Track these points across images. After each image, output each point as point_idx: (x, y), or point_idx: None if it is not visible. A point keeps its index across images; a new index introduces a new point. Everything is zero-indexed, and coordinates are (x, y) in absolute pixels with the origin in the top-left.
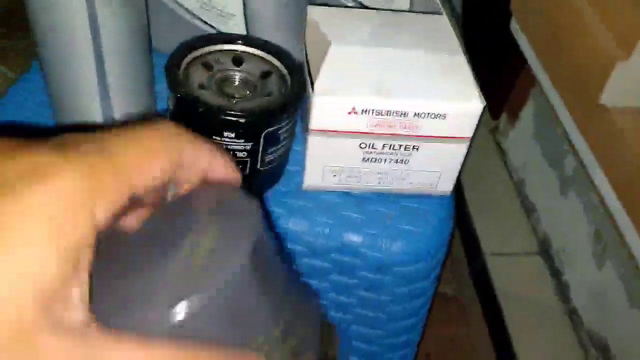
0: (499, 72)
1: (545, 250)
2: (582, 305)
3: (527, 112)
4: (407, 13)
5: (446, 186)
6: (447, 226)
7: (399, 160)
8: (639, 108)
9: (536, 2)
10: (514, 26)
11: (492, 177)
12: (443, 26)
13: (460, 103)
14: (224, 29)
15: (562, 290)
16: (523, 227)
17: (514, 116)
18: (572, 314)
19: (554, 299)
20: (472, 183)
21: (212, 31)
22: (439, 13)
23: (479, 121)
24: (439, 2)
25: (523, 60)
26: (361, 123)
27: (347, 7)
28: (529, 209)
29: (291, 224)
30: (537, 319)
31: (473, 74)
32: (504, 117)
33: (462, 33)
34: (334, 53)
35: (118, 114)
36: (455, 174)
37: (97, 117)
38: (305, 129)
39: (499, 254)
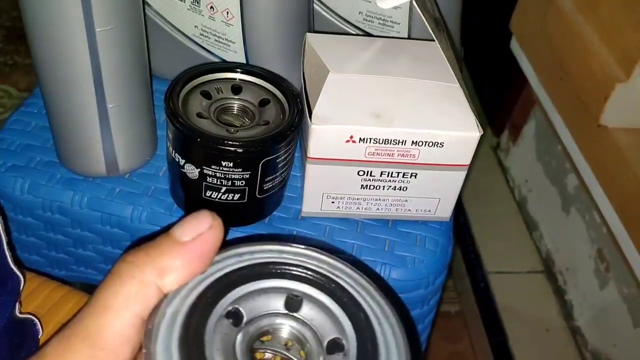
0: (500, 89)
1: (548, 268)
2: (585, 324)
3: (529, 130)
4: (404, 40)
5: (445, 212)
6: (446, 252)
7: (397, 187)
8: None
9: (536, 22)
10: (514, 45)
11: (494, 194)
12: (439, 54)
13: (458, 132)
14: (224, 55)
15: (566, 308)
16: (525, 245)
17: (515, 133)
18: (576, 333)
19: (557, 318)
20: (474, 200)
21: (212, 57)
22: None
23: (478, 146)
24: (437, 29)
25: (524, 78)
26: (359, 151)
27: (347, 34)
28: (531, 227)
29: None
30: (540, 337)
31: (470, 102)
32: (505, 134)
33: (463, 50)
34: (332, 81)
35: (118, 141)
36: (454, 201)
37: (97, 145)
38: (304, 156)
39: (502, 272)
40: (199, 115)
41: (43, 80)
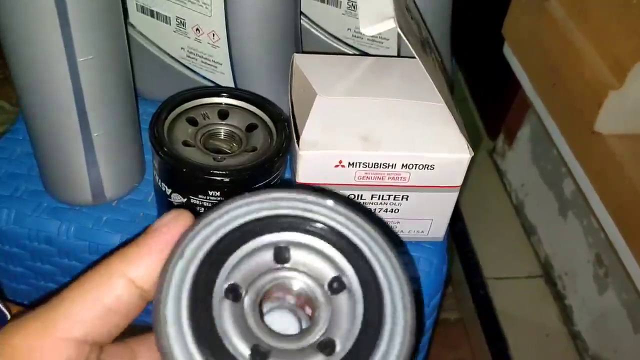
0: (495, 93)
1: (547, 273)
2: (585, 328)
3: (524, 133)
4: (393, 59)
5: (438, 232)
6: (440, 273)
7: (389, 210)
8: (634, 134)
9: (527, 28)
10: (507, 51)
11: (490, 198)
12: (424, 73)
13: (449, 154)
14: (211, 76)
15: (566, 313)
16: (524, 250)
17: (510, 137)
18: (576, 338)
19: (557, 323)
20: (471, 205)
21: (199, 79)
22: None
23: (474, 150)
24: (423, 52)
25: (518, 82)
26: (349, 176)
27: (336, 51)
28: (529, 231)
29: None
30: (541, 342)
31: (460, 123)
32: (501, 137)
33: (454, 61)
34: (319, 104)
35: (104, 169)
36: (447, 221)
37: (83, 174)
38: (294, 181)
39: (500, 277)
40: (185, 144)
41: (26, 109)
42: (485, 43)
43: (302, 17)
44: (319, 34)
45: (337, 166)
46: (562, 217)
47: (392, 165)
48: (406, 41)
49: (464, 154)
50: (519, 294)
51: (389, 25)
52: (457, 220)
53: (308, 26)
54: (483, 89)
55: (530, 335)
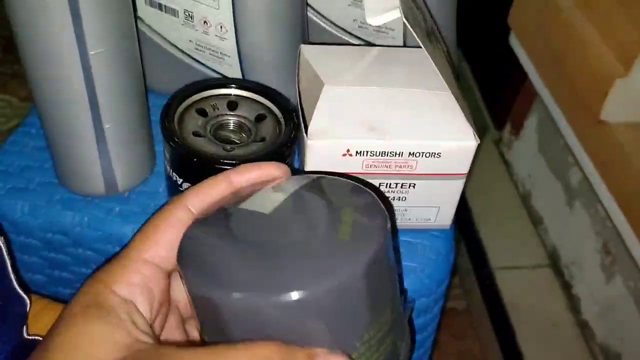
0: (501, 82)
1: (554, 262)
2: (593, 317)
3: (531, 123)
4: (399, 48)
5: (445, 220)
6: (447, 260)
7: (396, 198)
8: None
9: (534, 18)
10: (513, 40)
11: (497, 189)
12: (430, 62)
13: (455, 141)
14: (219, 68)
15: (573, 302)
16: (531, 240)
17: (517, 127)
18: (584, 327)
19: (564, 312)
20: (478, 195)
21: (208, 71)
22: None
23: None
24: (428, 41)
25: (525, 72)
26: (356, 164)
27: (342, 41)
28: (536, 221)
29: None
30: (548, 332)
31: (466, 110)
32: (507, 128)
33: (460, 52)
34: (326, 93)
35: (115, 161)
36: (454, 209)
37: (95, 165)
38: (302, 169)
39: (508, 267)
40: (195, 134)
41: (39, 103)
42: (491, 33)
43: (308, 8)
44: (325, 25)
45: (344, 155)
46: (568, 206)
47: (399, 154)
48: (412, 31)
49: (470, 142)
50: (526, 283)
51: (395, 15)
52: (464, 211)
53: (314, 17)
54: (489, 80)
55: (537, 324)
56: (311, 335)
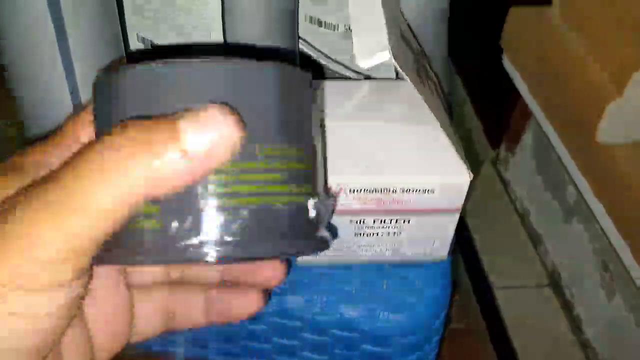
0: (496, 101)
1: (554, 281)
2: (595, 336)
3: (526, 142)
4: (390, 82)
5: (441, 252)
6: (445, 292)
7: (391, 233)
8: (635, 143)
9: (526, 39)
10: (506, 61)
11: (495, 207)
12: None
13: (448, 177)
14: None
15: (575, 322)
16: (531, 259)
17: (513, 146)
18: (586, 347)
19: (566, 331)
20: (476, 215)
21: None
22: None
23: (477, 159)
24: (419, 81)
25: (518, 91)
26: (351, 201)
27: (340, 75)
28: (535, 240)
29: (288, 301)
30: (550, 352)
31: (459, 145)
32: (503, 146)
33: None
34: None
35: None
36: (449, 241)
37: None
38: None
39: (508, 287)
40: None
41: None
42: (484, 51)
43: (301, 41)
44: (317, 58)
45: (339, 193)
46: (567, 224)
47: (393, 190)
48: (402, 72)
49: (463, 178)
50: (527, 303)
51: (384, 57)
52: (463, 230)
53: (306, 49)
54: (484, 99)
55: (539, 344)
56: None
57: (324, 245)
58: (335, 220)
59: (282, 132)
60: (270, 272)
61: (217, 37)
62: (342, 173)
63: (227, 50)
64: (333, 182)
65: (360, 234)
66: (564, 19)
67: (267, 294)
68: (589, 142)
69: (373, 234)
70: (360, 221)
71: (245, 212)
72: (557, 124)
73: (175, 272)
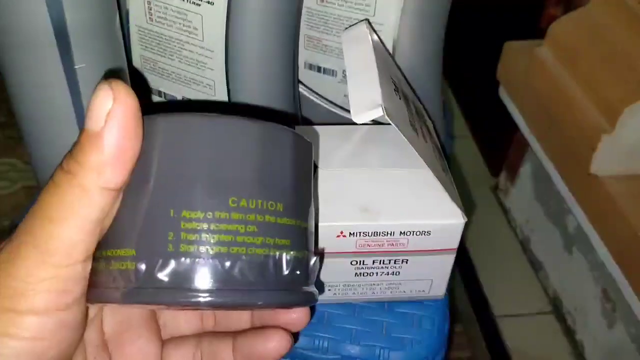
0: (495, 129)
1: (556, 309)
2: None
3: (526, 170)
4: (387, 126)
5: (438, 291)
6: (442, 330)
7: (390, 273)
8: (629, 175)
9: (520, 73)
10: (502, 94)
11: (496, 235)
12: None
13: (444, 220)
14: None
15: (577, 349)
16: (532, 286)
17: (513, 174)
18: None
19: (569, 359)
20: (477, 242)
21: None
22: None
23: (478, 187)
24: (414, 133)
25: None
26: (350, 244)
27: (339, 117)
28: (536, 267)
29: None
30: None
31: (453, 188)
32: (503, 174)
33: (453, 90)
34: (319, 177)
35: None
36: (447, 280)
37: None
38: None
39: (511, 315)
40: None
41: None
42: (483, 82)
43: (300, 85)
44: (317, 100)
45: (338, 237)
46: (567, 252)
47: (391, 233)
48: (395, 127)
49: (458, 220)
50: (530, 330)
51: (378, 113)
52: (464, 258)
53: (307, 93)
54: (483, 128)
55: None
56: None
57: (302, 299)
58: (337, 261)
59: (257, 188)
60: (293, 315)
61: (221, 88)
62: (343, 219)
63: (225, 108)
64: (335, 227)
65: (361, 274)
66: (555, 55)
67: (294, 335)
68: (584, 174)
69: (373, 274)
70: (360, 262)
71: (216, 261)
72: (553, 155)
73: (208, 321)
